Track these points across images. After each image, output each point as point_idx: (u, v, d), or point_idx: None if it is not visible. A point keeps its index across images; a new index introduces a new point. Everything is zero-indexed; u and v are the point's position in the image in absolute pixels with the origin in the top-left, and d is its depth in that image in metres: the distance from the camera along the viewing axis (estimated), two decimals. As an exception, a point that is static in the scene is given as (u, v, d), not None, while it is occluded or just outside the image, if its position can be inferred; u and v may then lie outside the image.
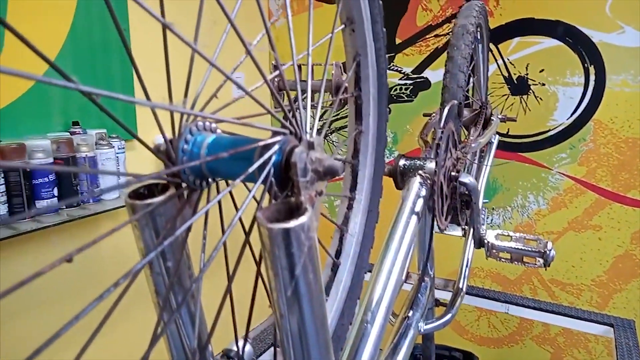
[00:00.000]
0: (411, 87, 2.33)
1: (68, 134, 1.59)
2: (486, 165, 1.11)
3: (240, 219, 0.34)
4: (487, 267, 2.29)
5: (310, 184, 0.33)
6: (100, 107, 0.27)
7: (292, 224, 0.29)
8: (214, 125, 0.39)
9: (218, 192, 0.42)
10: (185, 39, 0.29)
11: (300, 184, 0.32)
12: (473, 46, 1.06)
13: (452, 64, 1.00)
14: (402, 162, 0.85)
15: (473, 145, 1.01)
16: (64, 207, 1.49)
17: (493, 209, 2.24)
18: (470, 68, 1.12)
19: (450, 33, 1.07)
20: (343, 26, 0.52)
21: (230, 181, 0.35)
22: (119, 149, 1.72)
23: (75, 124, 1.64)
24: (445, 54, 2.21)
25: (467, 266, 1.00)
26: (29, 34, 1.49)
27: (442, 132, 0.80)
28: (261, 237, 0.31)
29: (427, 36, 2.26)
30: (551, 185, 2.12)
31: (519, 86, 2.12)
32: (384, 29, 0.57)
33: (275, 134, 0.35)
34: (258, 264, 0.37)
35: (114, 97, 0.24)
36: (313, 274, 0.31)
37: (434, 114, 1.22)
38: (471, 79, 1.27)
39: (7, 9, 1.43)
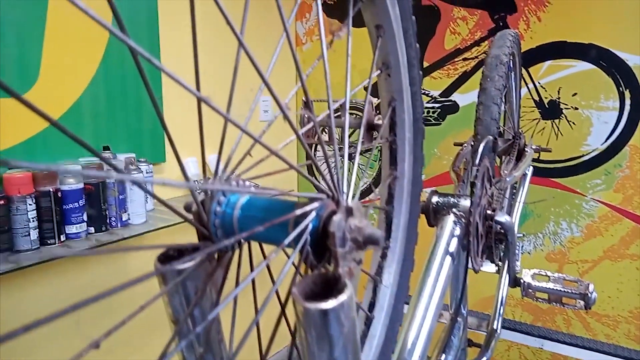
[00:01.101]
0: (439, 110, 2.30)
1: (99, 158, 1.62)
2: (519, 202, 1.07)
3: (277, 293, 0.32)
4: (517, 294, 2.21)
5: (349, 253, 0.31)
6: (147, 191, 0.26)
7: (330, 304, 0.27)
8: (247, 182, 0.38)
9: (250, 251, 0.40)
10: (219, 110, 0.27)
11: (338, 254, 0.31)
12: (506, 76, 1.03)
13: (485, 95, 0.97)
14: (435, 198, 0.82)
15: (508, 179, 0.98)
16: (93, 231, 1.51)
17: (523, 235, 2.18)
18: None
19: (483, 64, 1.04)
20: (379, 72, 0.50)
21: (266, 252, 0.34)
22: (147, 172, 1.74)
23: (106, 148, 1.66)
24: (474, 78, 2.19)
25: (501, 305, 0.96)
26: (63, 61, 1.52)
27: (478, 170, 0.77)
28: (296, 313, 0.29)
29: (456, 59, 2.23)
30: (585, 212, 2.05)
31: (551, 110, 2.07)
32: (421, 73, 0.55)
33: (312, 199, 0.33)
34: (293, 336, 0.35)
35: (156, 182, 0.23)
36: (353, 355, 0.29)
37: (465, 144, 1.19)
38: (503, 107, 1.24)
39: (44, 39, 1.47)
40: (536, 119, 2.10)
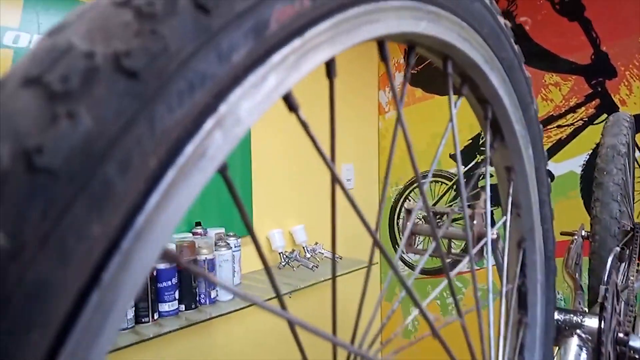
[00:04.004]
0: (532, 179, 2.18)
1: (191, 234, 1.67)
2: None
3: None
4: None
5: None
6: None
7: None
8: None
9: None
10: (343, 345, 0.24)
11: None
12: (625, 168, 0.94)
13: (603, 191, 0.89)
14: (555, 315, 0.74)
15: (635, 285, 0.87)
16: (184, 309, 1.53)
17: None
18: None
19: (597, 155, 0.96)
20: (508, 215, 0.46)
21: None
22: (235, 247, 1.77)
23: (198, 224, 1.72)
24: (569, 146, 2.06)
25: None
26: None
27: (607, 290, 0.69)
28: None
29: (549, 127, 2.12)
30: None
31: (663, 181, 1.88)
32: (552, 208, 0.50)
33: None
34: None
35: None
36: None
37: (575, 236, 1.09)
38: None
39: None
40: (645, 191, 1.91)
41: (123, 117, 0.13)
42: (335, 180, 0.24)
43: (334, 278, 0.25)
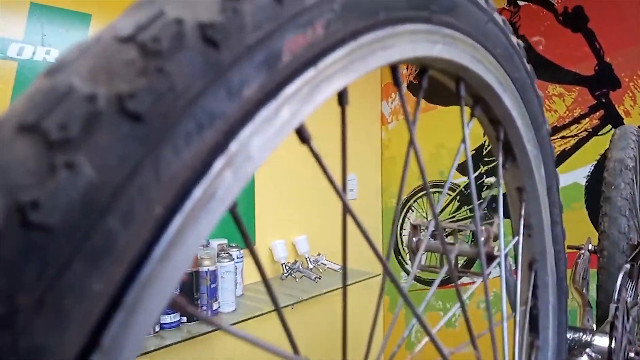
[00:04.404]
0: (536, 190, 2.16)
1: (192, 246, 1.66)
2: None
3: None
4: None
5: None
6: None
7: None
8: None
9: None
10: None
11: None
12: (633, 182, 0.93)
13: (611, 206, 0.88)
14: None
15: (644, 303, 0.85)
16: (185, 321, 1.52)
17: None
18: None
19: (605, 169, 0.95)
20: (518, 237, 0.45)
21: None
22: (237, 258, 1.75)
23: (200, 235, 1.71)
24: (573, 157, 2.05)
25: None
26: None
27: (617, 309, 0.67)
28: None
29: (553, 138, 2.11)
30: None
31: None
32: (564, 227, 0.49)
33: None
34: None
35: None
36: None
37: (582, 250, 1.07)
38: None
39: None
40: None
41: (126, 164, 0.12)
42: (347, 211, 0.23)
43: (344, 323, 0.24)
